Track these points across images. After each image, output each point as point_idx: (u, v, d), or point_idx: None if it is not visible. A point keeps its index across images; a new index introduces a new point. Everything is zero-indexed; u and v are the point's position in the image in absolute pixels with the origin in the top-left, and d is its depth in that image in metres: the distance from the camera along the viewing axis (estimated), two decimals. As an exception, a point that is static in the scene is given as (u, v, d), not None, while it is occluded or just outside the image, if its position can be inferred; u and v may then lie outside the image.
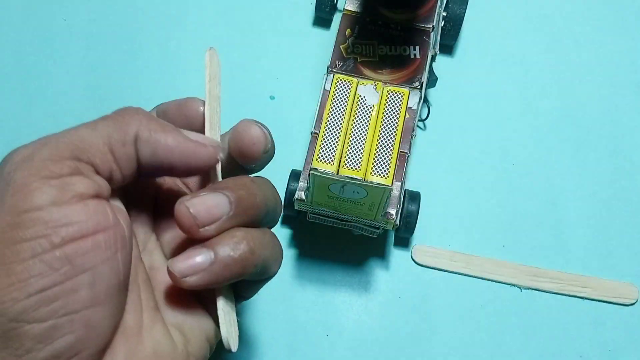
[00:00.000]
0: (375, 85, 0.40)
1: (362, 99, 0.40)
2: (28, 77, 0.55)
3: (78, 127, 0.29)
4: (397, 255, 0.50)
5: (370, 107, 0.40)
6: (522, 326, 0.48)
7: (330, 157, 0.38)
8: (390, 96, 0.40)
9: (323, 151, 0.38)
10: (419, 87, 0.45)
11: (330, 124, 0.39)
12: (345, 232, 0.48)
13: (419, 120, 0.51)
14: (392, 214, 0.42)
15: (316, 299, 0.49)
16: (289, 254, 0.50)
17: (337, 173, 0.38)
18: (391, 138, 0.39)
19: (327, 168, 0.38)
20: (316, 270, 0.50)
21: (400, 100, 0.40)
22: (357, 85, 0.40)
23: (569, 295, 0.49)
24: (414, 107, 0.44)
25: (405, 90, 0.41)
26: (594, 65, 0.56)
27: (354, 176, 0.37)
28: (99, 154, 0.29)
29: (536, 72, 0.56)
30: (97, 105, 0.55)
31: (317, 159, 0.38)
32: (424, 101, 0.51)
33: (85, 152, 0.28)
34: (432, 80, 0.50)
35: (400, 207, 0.44)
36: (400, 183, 0.43)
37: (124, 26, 0.57)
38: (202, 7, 0.58)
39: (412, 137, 0.44)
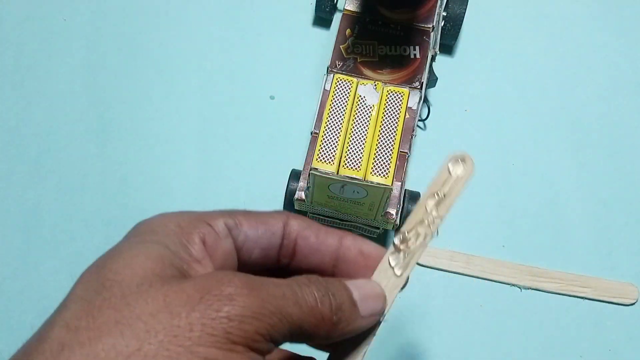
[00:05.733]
0: (375, 85, 0.40)
1: (362, 98, 0.40)
2: (28, 77, 0.55)
3: None
4: (397, 255, 0.50)
5: (370, 107, 0.40)
6: (522, 326, 0.48)
7: (331, 157, 0.38)
8: (390, 96, 0.40)
9: (323, 151, 0.38)
10: (419, 87, 0.45)
11: (330, 124, 0.39)
12: (345, 232, 0.48)
13: (419, 120, 0.51)
14: (392, 214, 0.42)
15: (316, 299, 0.49)
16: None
17: (337, 173, 0.38)
18: (391, 138, 0.39)
19: (327, 168, 0.38)
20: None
21: (400, 100, 0.40)
22: (357, 85, 0.40)
23: (569, 295, 0.49)
24: (414, 107, 0.44)
25: (405, 90, 0.41)
26: (594, 65, 0.56)
27: (354, 176, 0.37)
28: None
29: (536, 72, 0.56)
30: (97, 105, 0.55)
31: (317, 159, 0.38)
32: (424, 101, 0.51)
33: None
34: (432, 80, 0.50)
35: (400, 207, 0.44)
36: (400, 183, 0.43)
37: (124, 26, 0.57)
38: (202, 7, 0.58)
39: (412, 137, 0.44)
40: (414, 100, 0.44)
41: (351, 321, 0.26)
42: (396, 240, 0.29)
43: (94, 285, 0.23)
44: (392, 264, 0.29)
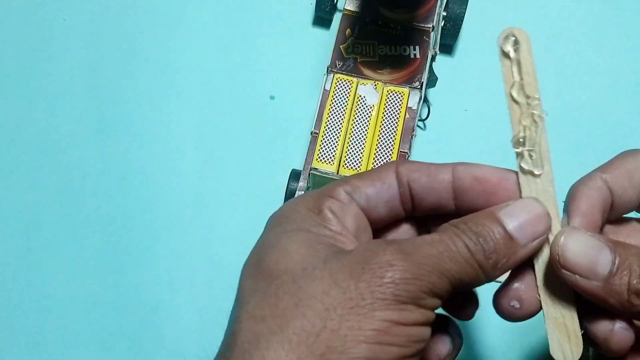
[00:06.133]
0: (375, 85, 0.40)
1: (362, 98, 0.40)
2: (28, 77, 0.55)
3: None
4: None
5: (370, 107, 0.40)
6: (522, 326, 0.48)
7: (330, 157, 0.38)
8: (390, 96, 0.40)
9: (323, 151, 0.38)
10: (418, 87, 0.45)
11: (330, 124, 0.39)
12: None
13: (419, 120, 0.51)
14: None
15: (316, 299, 0.49)
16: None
17: (337, 173, 0.38)
18: (391, 138, 0.39)
19: (327, 168, 0.38)
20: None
21: (400, 100, 0.40)
22: (357, 85, 0.41)
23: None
24: (414, 107, 0.44)
25: (405, 90, 0.41)
26: (594, 65, 0.56)
27: None
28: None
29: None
30: (97, 105, 0.55)
31: (317, 159, 0.38)
32: (424, 101, 0.51)
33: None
34: (432, 80, 0.50)
35: None
36: None
37: (124, 26, 0.57)
38: (202, 7, 0.58)
39: (412, 137, 0.44)
40: (414, 100, 0.44)
41: (511, 256, 0.26)
42: (515, 147, 0.29)
43: (261, 277, 0.25)
44: (527, 167, 0.29)
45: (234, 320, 0.25)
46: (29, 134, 0.54)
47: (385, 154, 0.38)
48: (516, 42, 0.30)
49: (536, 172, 0.30)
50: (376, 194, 0.28)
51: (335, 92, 0.40)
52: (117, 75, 0.55)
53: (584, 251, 0.27)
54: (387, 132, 0.39)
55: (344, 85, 0.40)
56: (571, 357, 0.29)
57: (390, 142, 0.39)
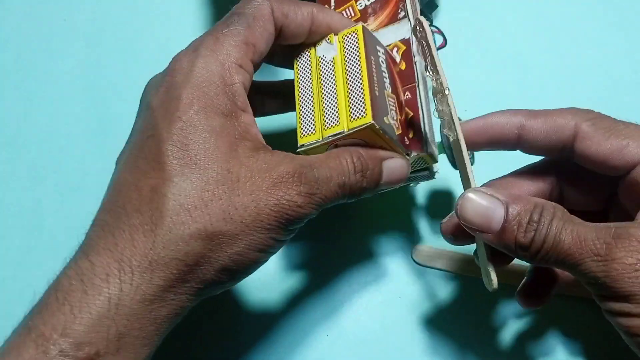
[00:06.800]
0: (328, 39, 0.39)
1: (322, 58, 0.39)
2: (28, 77, 0.55)
3: None
4: (397, 255, 0.50)
5: (331, 62, 0.38)
6: (522, 326, 0.48)
7: (311, 128, 0.37)
8: (345, 40, 0.39)
9: (304, 125, 0.37)
10: (404, 16, 0.42)
11: (302, 97, 0.38)
12: (345, 233, 0.48)
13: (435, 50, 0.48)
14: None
15: (316, 298, 0.49)
16: (288, 254, 0.50)
17: (322, 138, 0.37)
18: (358, 79, 0.37)
19: (311, 139, 0.37)
20: (316, 270, 0.50)
21: (356, 40, 0.38)
22: (314, 49, 0.40)
23: (569, 295, 0.49)
24: (407, 37, 0.41)
25: (359, 26, 0.39)
26: (594, 65, 0.56)
27: (337, 131, 0.36)
28: None
29: (536, 72, 0.56)
30: (97, 105, 0.55)
31: (300, 136, 0.37)
32: (432, 27, 0.48)
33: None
34: (431, 5, 0.47)
35: (425, 132, 0.40)
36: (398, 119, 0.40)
37: (124, 26, 0.57)
38: (202, 7, 0.58)
39: (418, 83, 0.41)
40: (403, 30, 0.42)
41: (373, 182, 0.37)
42: (436, 116, 0.37)
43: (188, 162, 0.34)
44: (445, 132, 0.36)
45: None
46: (29, 134, 0.54)
47: (357, 96, 0.36)
48: (419, 28, 0.36)
49: (451, 138, 0.36)
50: None
51: (299, 66, 0.39)
52: (117, 75, 0.56)
53: (479, 210, 0.33)
54: (353, 75, 0.37)
55: (304, 56, 0.39)
56: (489, 286, 0.36)
57: (358, 84, 0.36)
